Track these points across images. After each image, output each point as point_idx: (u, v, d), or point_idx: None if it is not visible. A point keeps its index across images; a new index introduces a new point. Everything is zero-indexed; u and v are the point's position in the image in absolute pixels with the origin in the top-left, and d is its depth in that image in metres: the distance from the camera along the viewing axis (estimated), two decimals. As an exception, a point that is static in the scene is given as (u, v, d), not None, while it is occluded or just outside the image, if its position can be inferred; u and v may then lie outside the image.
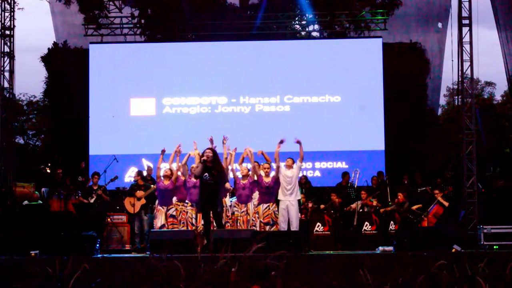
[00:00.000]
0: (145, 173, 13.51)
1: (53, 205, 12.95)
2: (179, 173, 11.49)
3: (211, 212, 10.52)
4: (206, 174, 10.40)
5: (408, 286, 6.23)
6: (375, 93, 15.95)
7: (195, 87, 16.19)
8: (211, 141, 11.08)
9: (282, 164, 11.63)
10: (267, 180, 11.41)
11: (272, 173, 11.64)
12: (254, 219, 11.31)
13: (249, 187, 11.43)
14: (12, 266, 8.92)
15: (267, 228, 11.17)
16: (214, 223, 10.59)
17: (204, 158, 10.42)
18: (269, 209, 11.32)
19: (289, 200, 11.54)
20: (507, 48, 15.90)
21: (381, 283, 6.33)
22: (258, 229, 11.10)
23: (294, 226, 11.47)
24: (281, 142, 11.44)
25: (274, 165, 11.58)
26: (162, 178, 11.50)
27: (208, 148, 10.63)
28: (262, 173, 11.45)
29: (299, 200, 12.03)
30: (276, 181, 11.48)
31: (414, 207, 13.05)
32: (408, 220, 12.83)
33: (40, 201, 13.16)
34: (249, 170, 11.58)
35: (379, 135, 15.87)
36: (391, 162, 15.69)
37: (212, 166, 10.43)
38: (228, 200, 11.71)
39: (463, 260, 6.66)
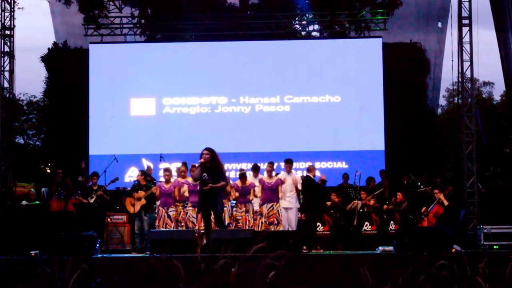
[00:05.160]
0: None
1: (53, 205, 12.96)
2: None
3: (211, 212, 10.46)
4: (205, 174, 10.24)
5: (408, 286, 6.22)
6: (375, 93, 15.95)
7: (195, 87, 16.18)
8: None
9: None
10: (269, 181, 11.43)
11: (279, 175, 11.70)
12: (255, 219, 11.31)
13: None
14: (12, 266, 8.91)
15: (271, 227, 11.17)
16: (215, 223, 10.56)
17: (202, 160, 10.33)
18: (273, 208, 11.34)
19: (292, 206, 11.61)
20: (505, 48, 15.87)
21: (381, 283, 6.32)
22: (260, 228, 11.09)
23: (293, 227, 11.52)
24: None
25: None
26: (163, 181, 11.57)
27: (205, 149, 10.37)
28: (264, 174, 11.47)
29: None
30: (278, 183, 11.49)
31: (423, 209, 13.02)
32: (408, 220, 12.82)
33: (37, 201, 13.15)
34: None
35: (379, 135, 15.87)
36: (391, 162, 15.68)
37: (211, 166, 10.29)
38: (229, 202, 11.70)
39: (463, 260, 6.64)
